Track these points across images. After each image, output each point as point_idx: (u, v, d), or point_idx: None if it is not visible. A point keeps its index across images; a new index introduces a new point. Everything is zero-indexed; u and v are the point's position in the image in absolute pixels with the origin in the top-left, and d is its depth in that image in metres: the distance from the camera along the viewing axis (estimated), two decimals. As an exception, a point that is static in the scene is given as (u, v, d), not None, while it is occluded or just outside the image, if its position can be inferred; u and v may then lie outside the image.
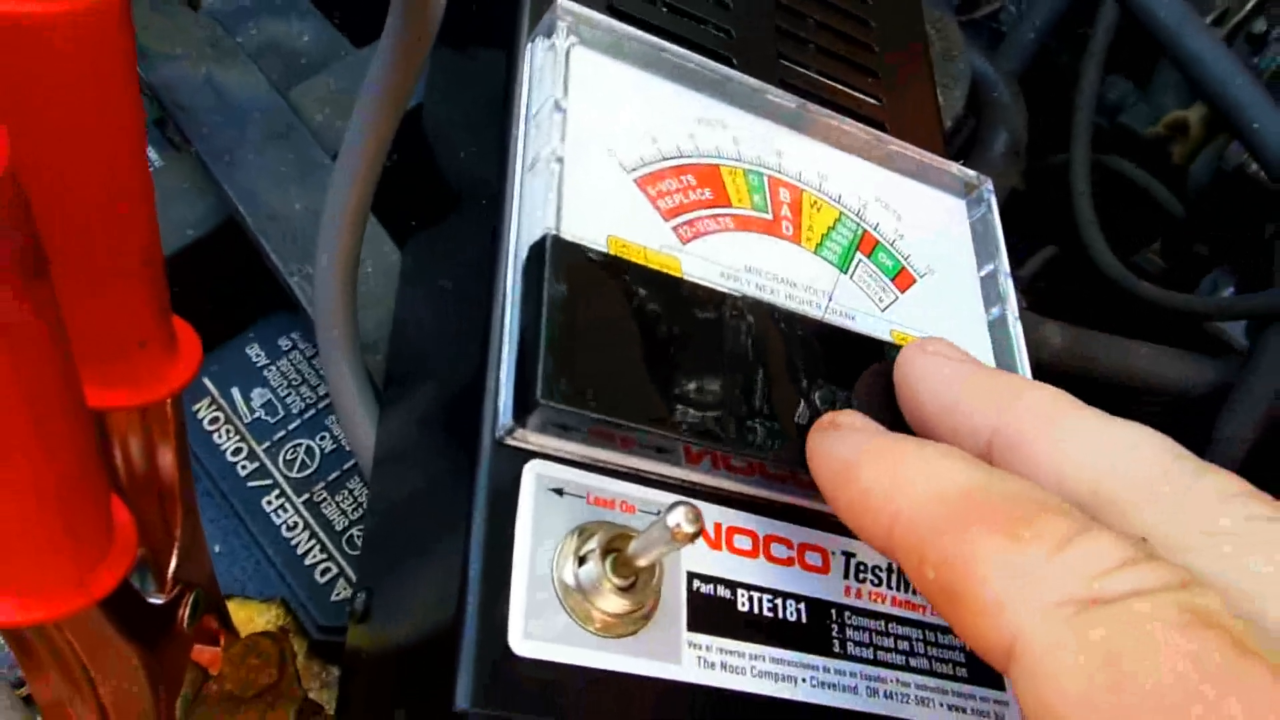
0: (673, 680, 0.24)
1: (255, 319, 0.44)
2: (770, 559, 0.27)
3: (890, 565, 0.29)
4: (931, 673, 0.28)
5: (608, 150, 0.29)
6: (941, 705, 0.28)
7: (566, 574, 0.24)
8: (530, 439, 0.25)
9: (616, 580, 0.24)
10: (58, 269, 0.18)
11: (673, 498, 0.26)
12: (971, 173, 0.36)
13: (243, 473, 0.41)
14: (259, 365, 0.43)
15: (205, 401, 0.42)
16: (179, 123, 0.42)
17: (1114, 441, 0.23)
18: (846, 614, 0.28)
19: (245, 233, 0.41)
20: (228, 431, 0.41)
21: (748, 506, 0.28)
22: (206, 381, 0.42)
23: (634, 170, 0.29)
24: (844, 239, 0.32)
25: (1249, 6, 0.62)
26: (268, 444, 0.41)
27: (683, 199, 0.30)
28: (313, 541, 0.39)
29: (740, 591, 0.26)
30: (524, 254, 0.27)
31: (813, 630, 0.27)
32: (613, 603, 0.24)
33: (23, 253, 0.17)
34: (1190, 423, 0.59)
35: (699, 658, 0.25)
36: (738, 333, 0.27)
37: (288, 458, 0.41)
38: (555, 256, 0.25)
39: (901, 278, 0.33)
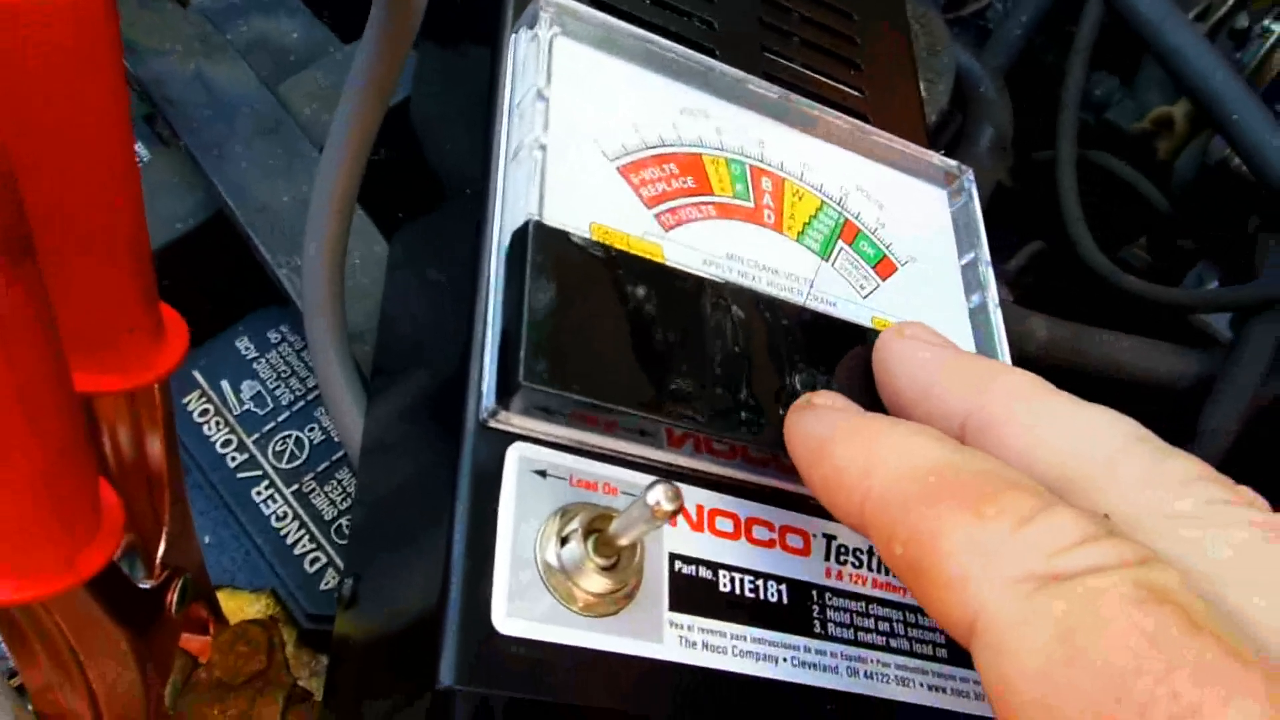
0: (654, 659, 0.25)
1: (245, 312, 0.44)
2: (752, 541, 0.28)
3: (871, 548, 0.29)
4: (911, 653, 0.28)
5: (591, 139, 0.30)
6: (921, 685, 0.28)
7: (549, 554, 0.24)
8: (513, 421, 0.25)
9: (599, 560, 0.24)
10: (43, 253, 0.19)
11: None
12: (952, 163, 0.36)
13: (232, 464, 0.41)
14: (248, 358, 0.43)
15: (195, 394, 0.42)
16: (168, 117, 0.43)
17: (1082, 424, 0.23)
18: (827, 595, 0.28)
19: (234, 226, 0.41)
20: (217, 423, 0.42)
21: (730, 489, 0.28)
22: (196, 374, 0.43)
23: (617, 159, 0.30)
24: (826, 227, 0.33)
25: (1231, 2, 0.62)
26: (257, 435, 0.42)
27: (665, 187, 0.30)
28: (302, 532, 0.40)
29: (722, 572, 0.27)
30: (507, 240, 0.27)
31: (794, 611, 0.27)
32: (595, 582, 0.24)
33: (7, 233, 0.18)
34: (1176, 415, 0.60)
35: (680, 637, 0.25)
36: (720, 318, 0.27)
37: (277, 449, 0.41)
38: (538, 241, 0.26)
39: (883, 266, 0.33)
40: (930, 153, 0.36)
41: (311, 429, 0.42)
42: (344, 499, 0.41)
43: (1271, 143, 0.50)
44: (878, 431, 0.23)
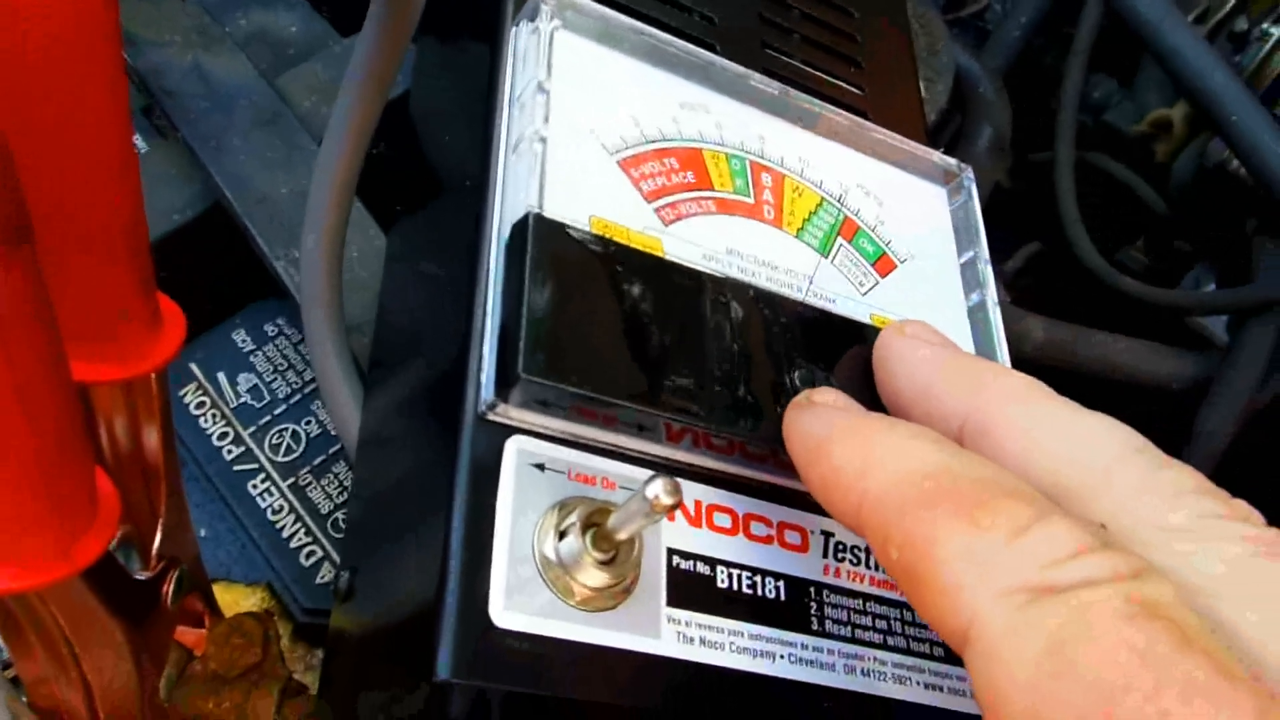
0: (652, 654, 0.25)
1: (242, 305, 0.44)
2: (750, 537, 0.28)
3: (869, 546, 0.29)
4: (909, 651, 0.28)
5: (591, 132, 0.29)
6: (918, 683, 0.28)
7: (547, 548, 0.24)
8: (512, 414, 0.25)
9: (597, 554, 0.24)
10: (41, 242, 0.19)
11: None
12: (952, 161, 0.36)
13: (229, 457, 0.41)
14: (245, 350, 0.43)
15: (192, 386, 0.42)
16: (166, 109, 0.43)
17: (1080, 431, 0.23)
18: (825, 592, 0.28)
19: (232, 218, 0.41)
20: (214, 416, 0.42)
21: (728, 485, 0.28)
22: (193, 366, 0.42)
23: (617, 152, 0.30)
24: (825, 224, 0.33)
25: (1230, 4, 0.62)
26: (254, 428, 0.41)
27: (665, 181, 0.30)
28: (298, 525, 0.40)
29: (720, 568, 0.27)
30: (507, 233, 0.27)
31: (791, 608, 0.27)
32: (593, 576, 0.24)
33: (6, 221, 0.17)
34: (1172, 417, 0.60)
35: (678, 632, 0.25)
36: (719, 312, 0.27)
37: (273, 442, 0.41)
38: (537, 234, 0.26)
39: (882, 263, 0.33)
40: (930, 151, 0.36)
41: (308, 422, 0.42)
42: (340, 493, 0.40)
43: (1270, 145, 0.50)
44: (876, 432, 0.23)
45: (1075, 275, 0.66)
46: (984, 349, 0.33)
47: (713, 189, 0.31)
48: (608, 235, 0.27)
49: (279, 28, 0.48)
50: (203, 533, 0.40)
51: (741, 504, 0.28)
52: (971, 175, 0.37)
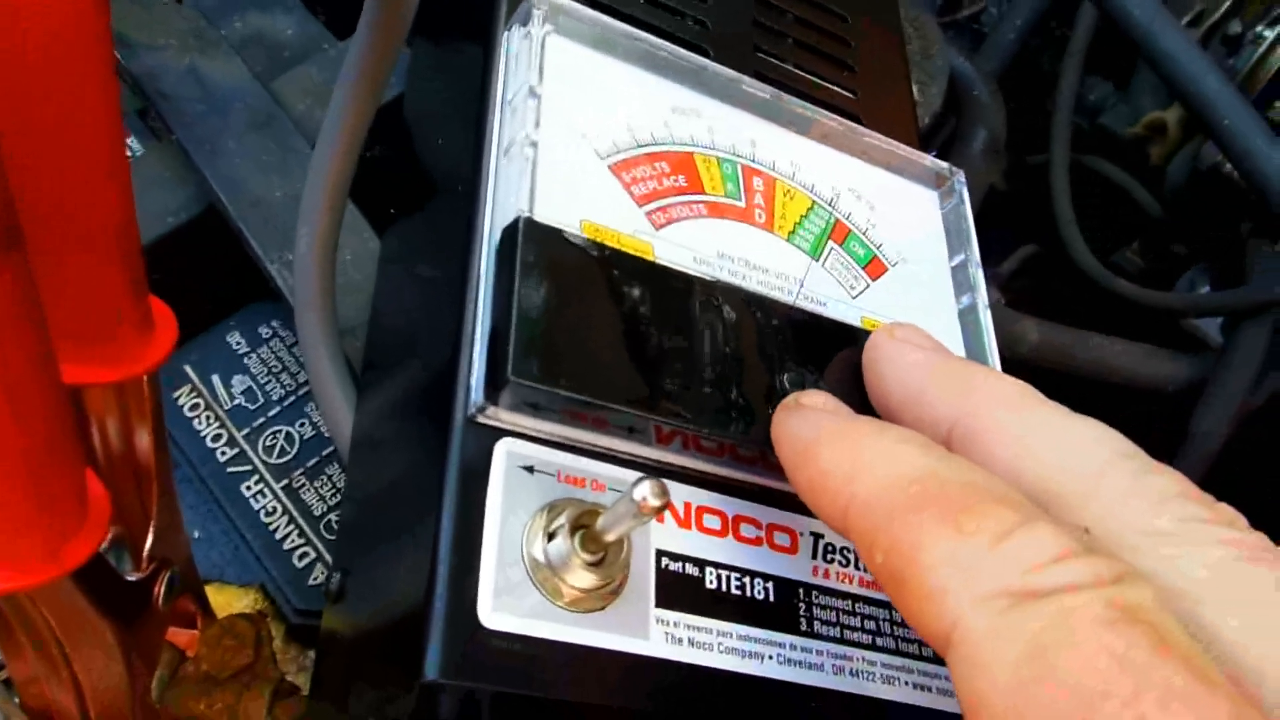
0: (640, 655, 0.25)
1: (237, 307, 0.44)
2: (739, 538, 0.28)
3: (858, 547, 0.29)
4: (897, 652, 0.28)
5: (582, 136, 0.30)
6: (907, 684, 0.28)
7: (536, 549, 0.24)
8: (502, 417, 0.25)
9: (585, 555, 0.24)
10: (32, 244, 0.19)
11: (642, 476, 0.26)
12: (943, 164, 0.37)
13: (222, 459, 0.41)
14: (240, 353, 0.43)
15: (186, 388, 0.42)
16: (161, 111, 0.43)
17: (1069, 436, 0.23)
18: (814, 593, 0.28)
19: (226, 221, 0.41)
20: (208, 418, 0.42)
21: (718, 487, 0.28)
22: (187, 368, 0.43)
23: (608, 156, 0.30)
24: (816, 227, 0.33)
25: (1224, 8, 0.62)
26: (248, 430, 0.42)
27: (656, 185, 0.30)
28: (291, 526, 0.40)
29: (709, 569, 0.27)
30: (498, 237, 0.27)
31: (780, 609, 0.27)
32: (582, 578, 0.24)
33: (-4, 222, 0.18)
34: (1167, 418, 0.60)
35: (667, 633, 0.25)
36: (710, 316, 0.28)
37: (267, 444, 0.41)
38: (528, 238, 0.26)
39: (873, 266, 0.34)
40: (922, 154, 0.36)
41: (302, 424, 0.42)
42: (334, 494, 0.41)
43: (1262, 149, 0.51)
44: (864, 436, 0.23)
45: (1070, 277, 0.67)
46: (974, 352, 0.34)
47: (704, 193, 0.31)
48: (598, 239, 0.27)
49: (275, 31, 0.49)
50: (196, 534, 0.40)
51: (731, 506, 0.28)
52: (963, 178, 0.37)
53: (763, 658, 0.26)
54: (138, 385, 0.27)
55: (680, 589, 0.26)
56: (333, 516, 0.40)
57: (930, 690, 0.28)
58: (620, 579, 0.25)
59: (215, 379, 0.42)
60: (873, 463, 0.23)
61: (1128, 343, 0.60)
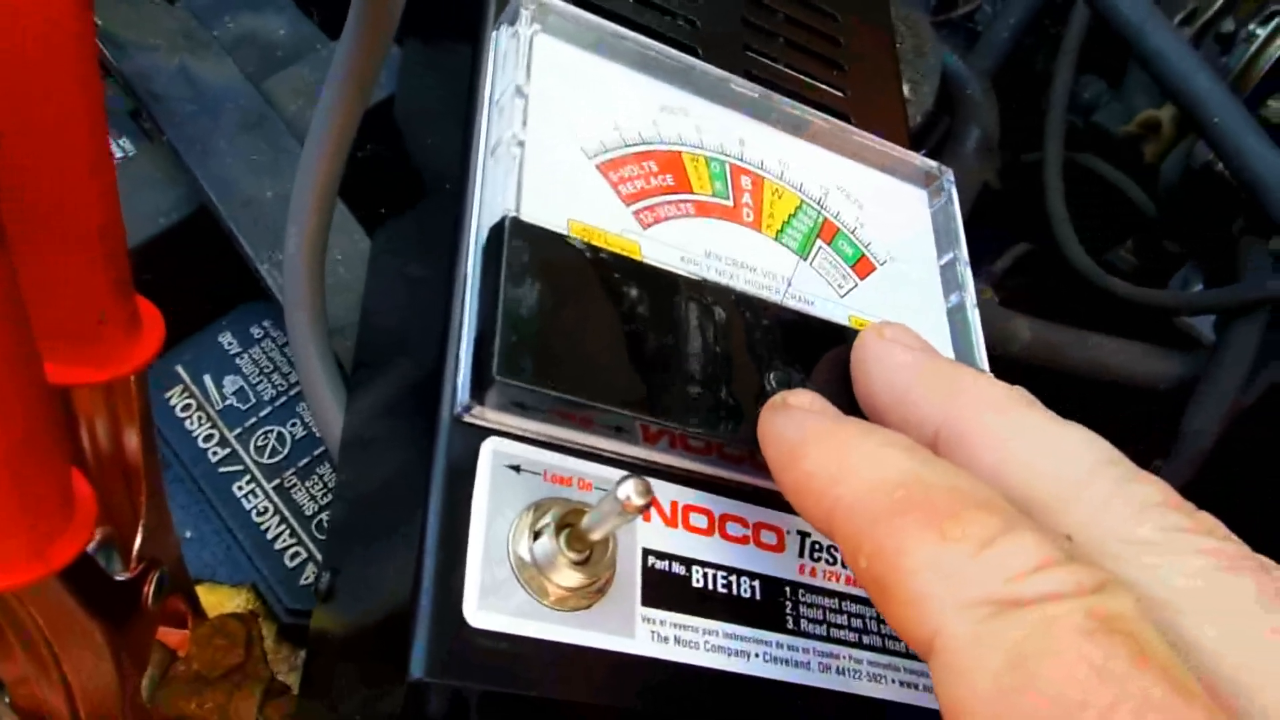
0: (626, 653, 0.25)
1: (228, 307, 0.44)
2: (726, 537, 0.28)
3: (846, 545, 0.29)
4: (884, 650, 0.28)
5: (570, 136, 0.30)
6: (894, 682, 0.28)
7: (522, 548, 0.24)
8: (488, 416, 0.25)
9: (571, 554, 0.24)
10: (16, 244, 0.19)
11: (628, 475, 0.26)
12: (932, 163, 0.37)
13: (214, 459, 0.41)
14: (231, 353, 0.43)
15: (178, 389, 0.42)
16: (152, 112, 0.43)
17: (1054, 442, 0.23)
18: (800, 591, 0.28)
19: (218, 221, 0.41)
20: (200, 418, 0.42)
21: (704, 486, 0.28)
22: (179, 369, 0.43)
23: (596, 156, 0.30)
24: (804, 226, 0.33)
25: (1216, 6, 0.62)
26: (239, 430, 0.42)
27: (644, 184, 0.30)
28: (283, 526, 0.40)
29: (695, 568, 0.27)
30: (485, 236, 0.27)
31: (766, 607, 0.27)
32: (567, 576, 0.24)
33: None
34: (1159, 417, 0.60)
35: (652, 632, 0.25)
36: (696, 314, 0.28)
37: (259, 444, 0.41)
38: (514, 237, 0.26)
39: (861, 265, 0.34)
40: (911, 153, 0.36)
41: (293, 424, 0.42)
42: (325, 494, 0.41)
43: (1253, 147, 0.51)
44: (849, 439, 0.23)
45: (1064, 275, 0.67)
46: (963, 350, 0.34)
47: (692, 192, 0.31)
48: (586, 238, 0.27)
49: (267, 31, 0.49)
50: (188, 534, 0.40)
51: (718, 505, 0.28)
52: (952, 177, 0.37)
53: (749, 656, 0.26)
54: (125, 385, 0.27)
55: (666, 588, 0.26)
56: (324, 516, 0.40)
57: (916, 688, 0.28)
58: (606, 578, 0.25)
59: (207, 379, 0.42)
60: (858, 466, 0.23)
61: (1120, 341, 0.60)
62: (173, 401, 0.42)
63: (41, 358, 0.20)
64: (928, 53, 0.56)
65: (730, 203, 0.32)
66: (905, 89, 0.43)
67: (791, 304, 0.31)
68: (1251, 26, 0.62)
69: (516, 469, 0.26)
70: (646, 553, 0.26)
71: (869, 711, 0.27)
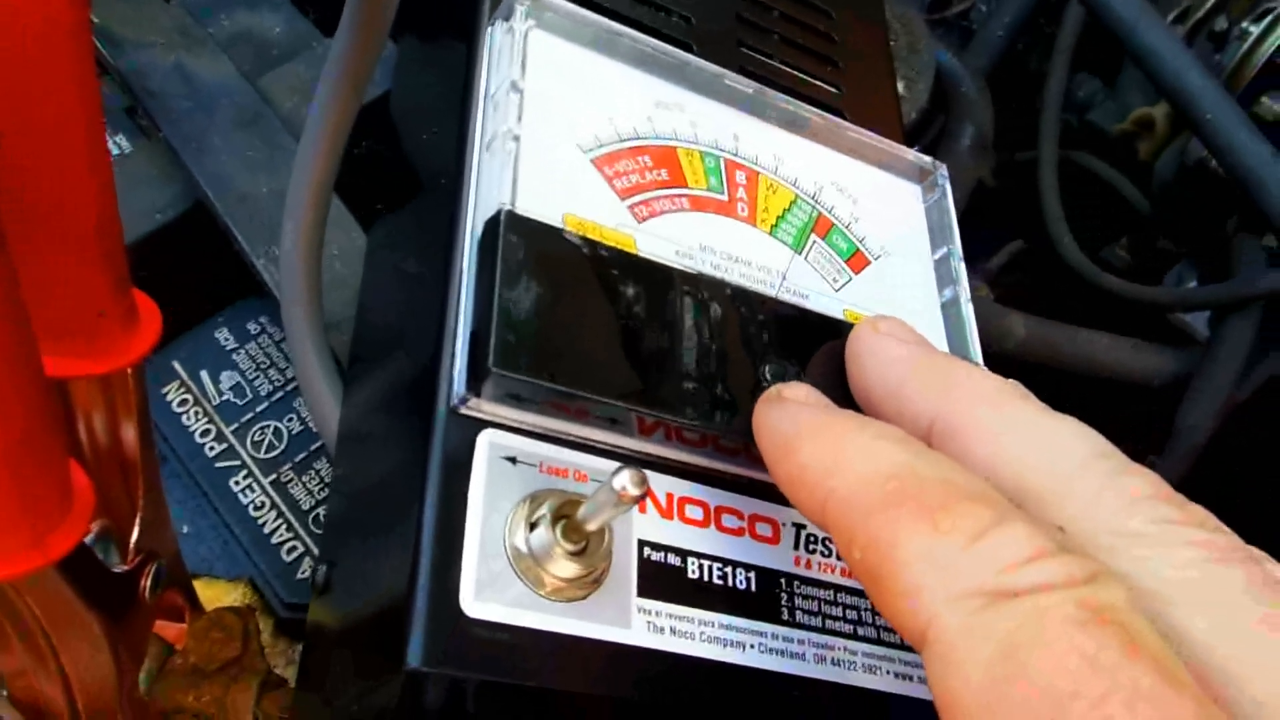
0: (622, 644, 0.25)
1: (225, 303, 0.44)
2: (721, 529, 0.28)
3: (840, 537, 0.30)
4: (879, 641, 0.29)
5: (565, 130, 0.30)
6: (889, 673, 0.28)
7: (518, 539, 0.25)
8: (484, 408, 0.26)
9: (567, 545, 0.24)
10: (13, 238, 0.19)
11: (623, 466, 0.27)
12: (926, 159, 0.37)
13: (211, 454, 0.41)
14: (228, 348, 0.43)
15: (174, 384, 0.42)
16: (149, 109, 0.43)
17: (1047, 435, 0.23)
18: (795, 583, 0.28)
19: (214, 217, 0.41)
20: (196, 413, 0.42)
21: (700, 478, 0.28)
22: (176, 364, 0.43)
23: (591, 150, 0.30)
24: (799, 221, 0.33)
25: (1209, 4, 0.63)
26: (236, 425, 0.42)
27: (639, 179, 0.30)
28: (279, 521, 0.40)
29: (690, 559, 0.27)
30: (480, 229, 0.27)
31: (762, 598, 0.27)
32: (563, 567, 0.24)
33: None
34: (1154, 413, 0.60)
35: (648, 622, 0.25)
36: (691, 308, 0.28)
37: (255, 439, 0.41)
38: (509, 230, 0.26)
39: (856, 259, 0.34)
40: (905, 149, 0.37)
41: (290, 419, 0.42)
42: (321, 489, 0.41)
43: (1245, 143, 0.51)
44: (843, 431, 0.23)
45: (1059, 273, 0.67)
46: (957, 345, 0.34)
47: (686, 186, 0.31)
48: (581, 232, 0.28)
49: (263, 28, 0.49)
50: (185, 529, 0.40)
51: (713, 496, 0.28)
52: (945, 173, 0.37)
53: (744, 647, 0.26)
54: (123, 378, 0.27)
55: (662, 579, 0.26)
56: (320, 511, 0.40)
57: (911, 679, 0.28)
58: (602, 569, 0.25)
59: (204, 375, 0.43)
60: (852, 458, 0.23)
61: (1115, 337, 0.60)
62: (170, 397, 0.42)
63: (40, 352, 0.21)
64: (921, 50, 0.56)
65: (725, 197, 0.32)
66: (900, 86, 0.43)
67: (786, 298, 0.31)
68: (1244, 24, 0.62)
69: (513, 461, 0.26)
70: (642, 544, 0.26)
71: (864, 702, 0.28)
